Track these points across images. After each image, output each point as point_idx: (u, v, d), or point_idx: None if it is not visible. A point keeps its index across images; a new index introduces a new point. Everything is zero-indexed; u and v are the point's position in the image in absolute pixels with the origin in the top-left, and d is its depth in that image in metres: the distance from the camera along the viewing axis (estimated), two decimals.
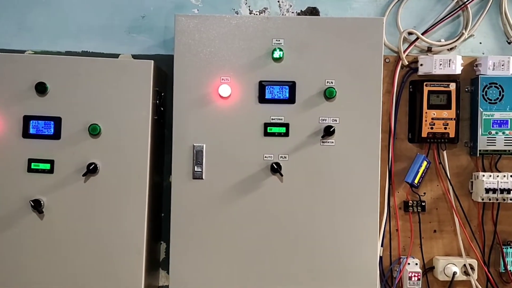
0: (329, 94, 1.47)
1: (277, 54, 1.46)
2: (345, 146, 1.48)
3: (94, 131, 1.46)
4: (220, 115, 1.48)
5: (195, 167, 1.48)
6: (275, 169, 1.46)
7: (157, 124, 1.58)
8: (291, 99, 1.48)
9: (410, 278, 1.65)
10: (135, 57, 1.73)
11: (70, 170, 1.47)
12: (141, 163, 1.48)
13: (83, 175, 1.45)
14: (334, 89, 1.46)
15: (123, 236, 1.48)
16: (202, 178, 1.48)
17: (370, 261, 1.51)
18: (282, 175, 1.47)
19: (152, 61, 1.49)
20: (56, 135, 1.47)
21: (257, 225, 1.49)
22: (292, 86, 1.48)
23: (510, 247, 1.69)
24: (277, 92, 1.48)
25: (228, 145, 1.48)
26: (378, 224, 1.51)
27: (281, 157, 1.48)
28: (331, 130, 1.46)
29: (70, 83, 1.47)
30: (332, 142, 1.48)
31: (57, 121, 1.47)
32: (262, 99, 1.48)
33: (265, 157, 1.48)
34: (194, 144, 1.48)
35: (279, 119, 1.48)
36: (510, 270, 1.68)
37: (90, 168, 1.45)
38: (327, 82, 1.48)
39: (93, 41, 1.74)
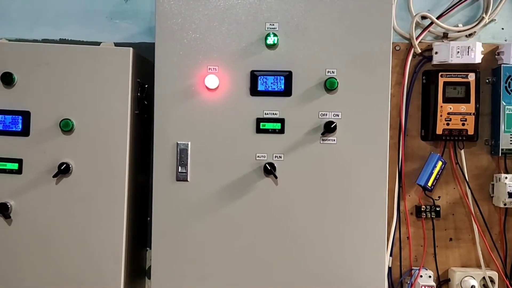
0: (330, 86, 1.29)
1: (271, 40, 1.29)
2: (348, 144, 1.31)
3: (66, 127, 1.31)
4: (207, 109, 1.32)
5: (179, 167, 1.32)
6: (269, 170, 1.29)
7: (139, 119, 1.42)
8: (286, 91, 1.31)
9: None
10: (117, 45, 1.56)
11: (40, 170, 1.32)
12: (119, 162, 1.33)
13: (54, 176, 1.30)
14: (336, 79, 1.29)
15: (100, 243, 1.33)
16: (186, 180, 1.32)
17: (377, 272, 1.33)
18: (276, 177, 1.31)
19: (131, 48, 1.33)
20: (25, 132, 1.32)
21: (249, 232, 1.32)
22: (288, 76, 1.31)
23: None
24: (271, 83, 1.31)
25: (216, 143, 1.32)
26: (386, 232, 1.33)
27: (275, 156, 1.32)
28: (332, 126, 1.28)
29: (39, 73, 1.32)
30: (334, 139, 1.31)
31: (26, 115, 1.32)
32: (254, 91, 1.31)
33: (258, 156, 1.32)
34: (178, 142, 1.32)
35: (273, 113, 1.31)
36: None
37: (62, 168, 1.30)
38: (328, 71, 1.31)
39: (72, 28, 1.59)
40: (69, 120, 1.31)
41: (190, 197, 1.32)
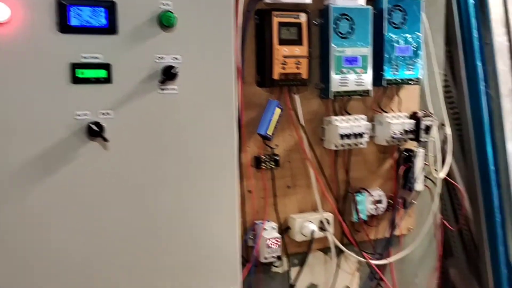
0: (166, 21, 1.04)
1: None
2: (192, 94, 1.10)
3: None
4: None
5: None
6: (95, 131, 1.00)
7: None
8: (111, 28, 1.00)
9: (268, 246, 1.41)
10: None
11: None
12: None
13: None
14: (173, 14, 1.04)
15: None
16: None
17: (230, 233, 1.21)
18: (106, 140, 1.02)
19: None
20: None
21: (71, 216, 1.02)
22: (110, 7, 1.00)
23: (361, 194, 1.59)
24: (89, 16, 0.98)
25: (13, 100, 0.95)
26: (236, 189, 1.21)
27: (102, 113, 1.02)
28: (173, 72, 1.04)
29: None
30: (175, 89, 1.08)
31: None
32: (64, 26, 0.97)
33: (78, 115, 1.00)
34: None
35: (94, 57, 1.00)
36: (361, 218, 1.58)
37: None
38: (162, 3, 1.05)
39: None
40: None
41: None
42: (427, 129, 1.59)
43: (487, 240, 1.86)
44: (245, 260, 1.41)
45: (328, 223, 1.52)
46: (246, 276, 1.40)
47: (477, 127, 1.82)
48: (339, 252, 1.58)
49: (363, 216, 1.58)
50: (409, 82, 1.59)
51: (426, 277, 1.80)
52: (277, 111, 1.42)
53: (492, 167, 1.82)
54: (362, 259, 1.59)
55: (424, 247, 1.77)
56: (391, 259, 1.64)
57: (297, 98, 1.48)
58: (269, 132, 1.42)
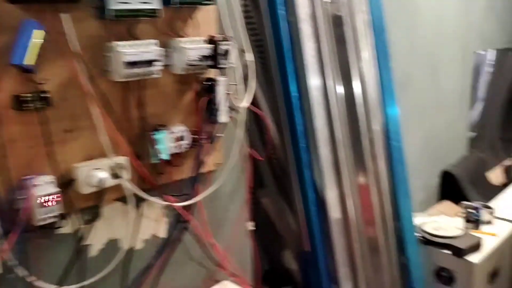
0: None
1: None
2: None
3: None
4: None
5: None
6: None
7: None
8: None
9: (43, 205, 1.14)
10: None
11: None
12: None
13: None
14: None
15: None
16: None
17: None
18: None
19: None
20: None
21: None
22: None
23: (160, 132, 1.40)
24: None
25: None
26: None
27: None
28: None
29: None
30: None
31: None
32: None
33: None
34: None
35: None
36: (163, 159, 1.41)
37: None
38: None
39: None
40: None
41: None
42: (226, 54, 1.45)
43: (294, 165, 1.88)
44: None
45: (122, 168, 1.31)
46: (17, 246, 1.12)
47: (279, 53, 1.77)
48: (140, 199, 1.39)
49: (164, 156, 1.40)
50: (204, 2, 1.41)
51: (238, 211, 1.75)
52: (37, 34, 1.11)
53: (294, 94, 1.80)
54: (166, 203, 1.43)
55: (234, 181, 1.70)
56: (198, 198, 1.52)
57: (66, 18, 1.17)
58: (29, 62, 1.10)
